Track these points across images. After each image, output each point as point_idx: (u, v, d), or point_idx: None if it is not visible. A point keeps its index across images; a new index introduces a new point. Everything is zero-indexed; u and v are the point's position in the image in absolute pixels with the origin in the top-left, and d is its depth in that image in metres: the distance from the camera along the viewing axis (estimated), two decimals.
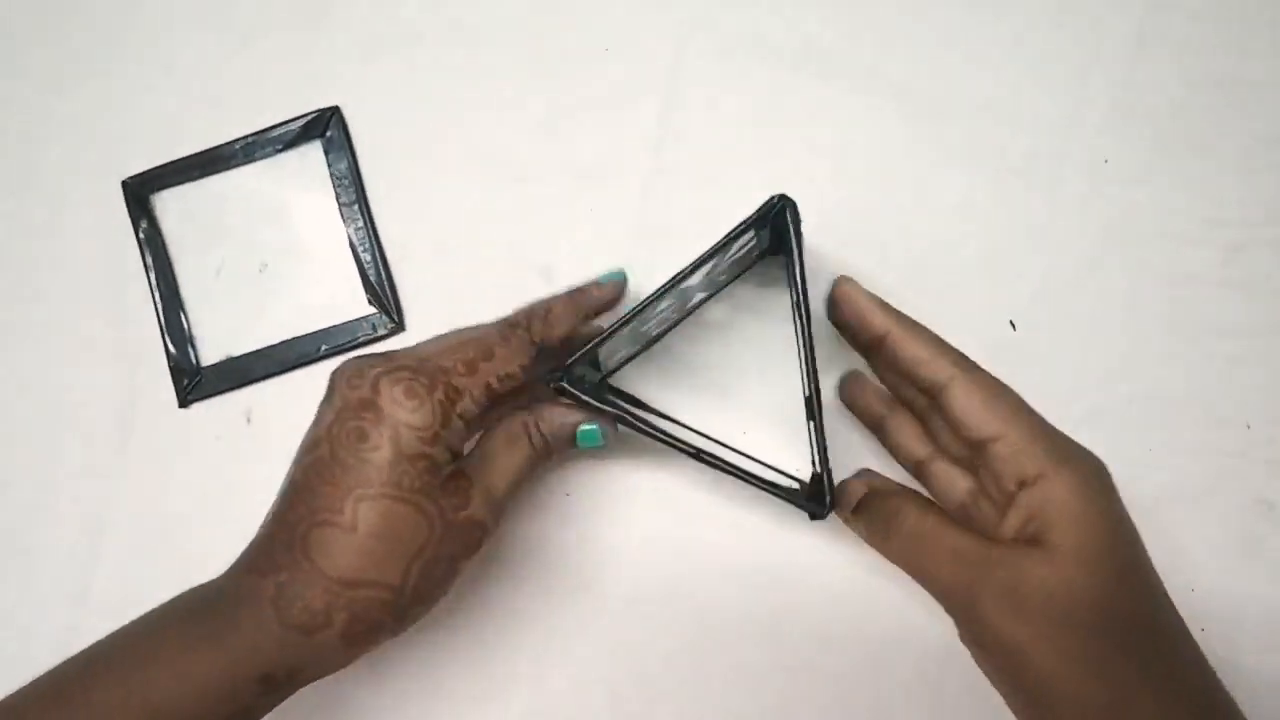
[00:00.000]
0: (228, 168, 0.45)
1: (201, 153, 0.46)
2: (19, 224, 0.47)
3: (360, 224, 0.44)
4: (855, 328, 0.36)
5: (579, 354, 0.35)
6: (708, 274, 0.36)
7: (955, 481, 0.36)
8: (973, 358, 0.35)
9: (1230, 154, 0.42)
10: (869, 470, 0.40)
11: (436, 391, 0.32)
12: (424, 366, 0.33)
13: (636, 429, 0.35)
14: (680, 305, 0.39)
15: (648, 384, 0.42)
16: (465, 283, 0.44)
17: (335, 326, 0.44)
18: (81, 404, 0.45)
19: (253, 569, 0.31)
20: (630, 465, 0.42)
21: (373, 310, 0.44)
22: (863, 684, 0.40)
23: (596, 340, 0.35)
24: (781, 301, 0.42)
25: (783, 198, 0.34)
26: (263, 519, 0.33)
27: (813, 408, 0.35)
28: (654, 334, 0.42)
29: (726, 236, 0.34)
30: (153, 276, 0.45)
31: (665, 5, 0.45)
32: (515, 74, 0.45)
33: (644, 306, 0.35)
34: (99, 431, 0.45)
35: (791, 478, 0.39)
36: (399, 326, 0.44)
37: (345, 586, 0.30)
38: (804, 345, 0.34)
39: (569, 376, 0.35)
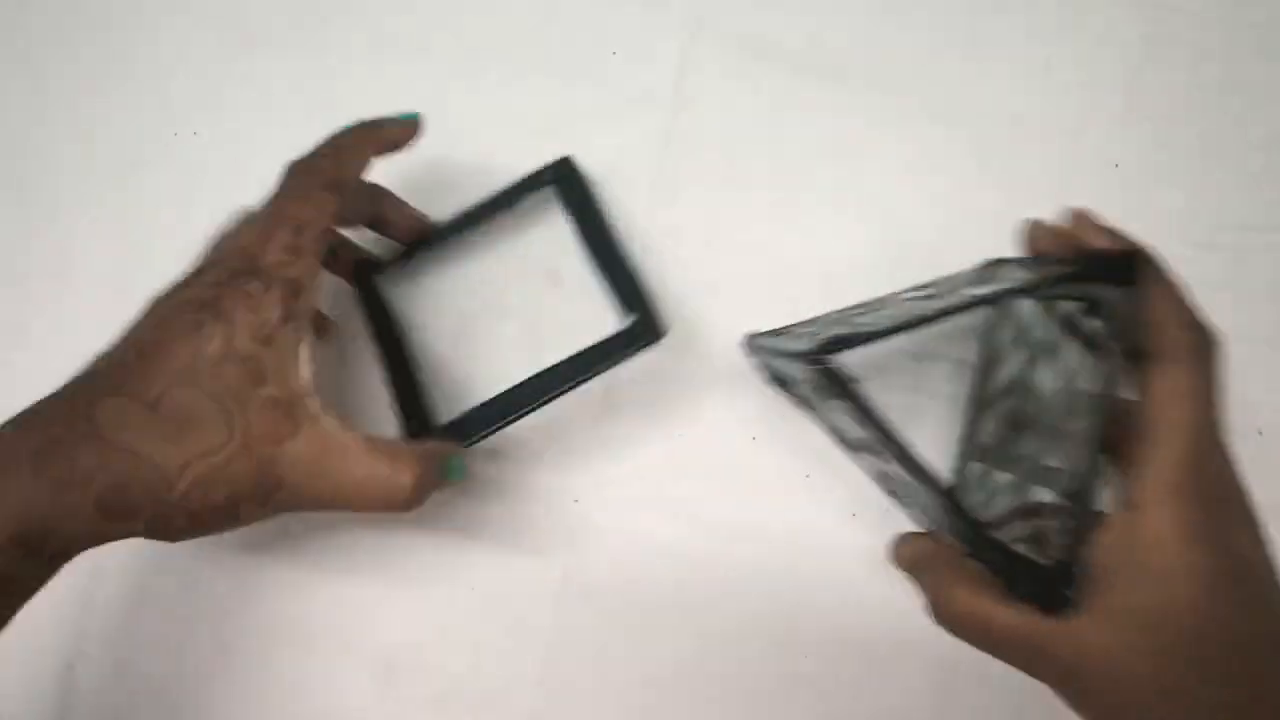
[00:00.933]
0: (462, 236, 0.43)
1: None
2: None
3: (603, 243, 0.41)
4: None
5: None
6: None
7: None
8: None
9: (1239, 158, 0.42)
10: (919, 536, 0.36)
11: (273, 291, 0.32)
12: (258, 268, 0.32)
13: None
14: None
15: None
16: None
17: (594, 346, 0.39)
18: None
19: (16, 424, 0.30)
20: (633, 471, 0.42)
21: (632, 319, 0.39)
22: (870, 688, 0.40)
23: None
24: None
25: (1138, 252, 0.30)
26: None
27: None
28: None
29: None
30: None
31: (672, 8, 0.45)
32: (523, 78, 0.45)
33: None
34: None
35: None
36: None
37: (116, 450, 0.29)
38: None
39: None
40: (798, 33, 0.45)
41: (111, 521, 0.29)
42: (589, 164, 0.44)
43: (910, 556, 0.34)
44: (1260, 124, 0.42)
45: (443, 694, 0.41)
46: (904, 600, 0.39)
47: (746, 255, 0.43)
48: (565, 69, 0.46)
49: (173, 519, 0.30)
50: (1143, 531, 0.27)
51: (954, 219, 0.43)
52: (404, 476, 0.32)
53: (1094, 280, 0.30)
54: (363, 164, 0.36)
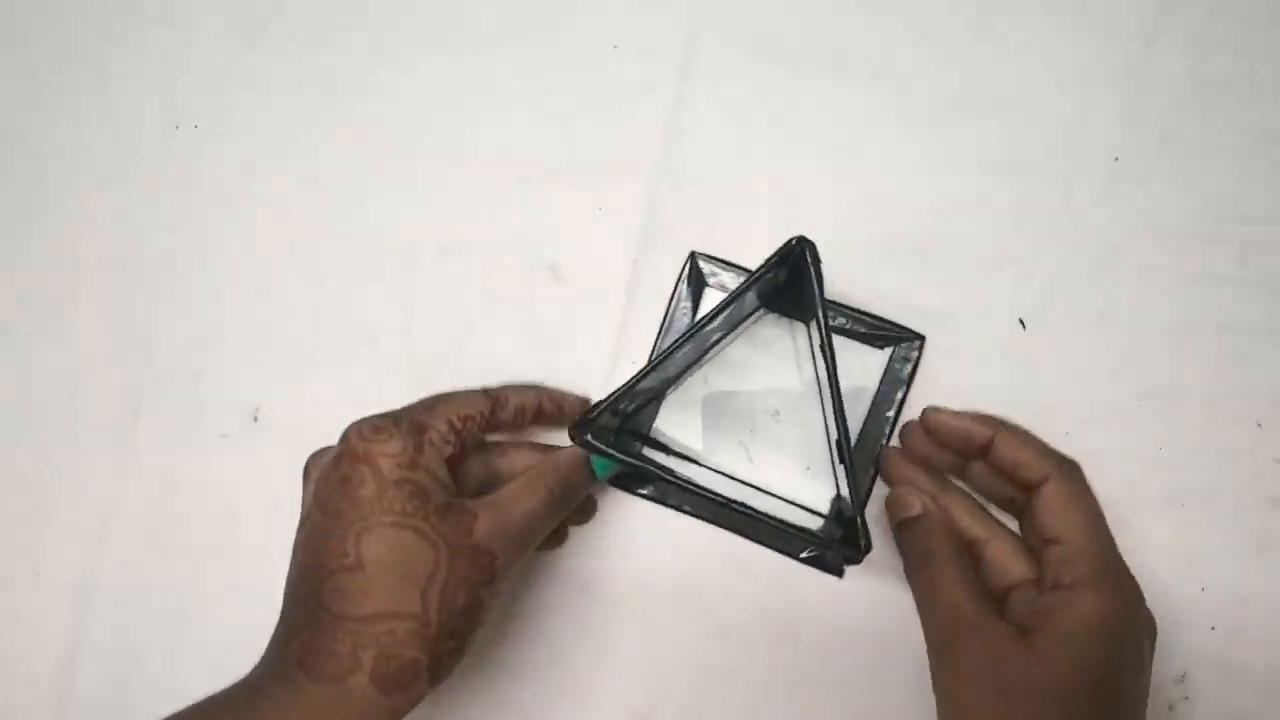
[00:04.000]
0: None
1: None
2: None
3: None
4: (961, 445, 0.38)
5: (601, 406, 0.35)
6: (727, 317, 0.36)
7: (1008, 567, 0.37)
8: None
9: (1241, 151, 0.42)
10: (923, 488, 0.39)
11: (403, 424, 0.33)
12: (387, 412, 0.34)
13: (662, 479, 0.36)
14: (699, 345, 0.39)
15: (665, 424, 0.43)
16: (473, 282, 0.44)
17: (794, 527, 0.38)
18: (89, 402, 0.45)
19: (277, 638, 0.32)
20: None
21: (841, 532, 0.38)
22: (869, 687, 0.40)
23: (619, 390, 0.35)
24: (802, 338, 0.42)
25: (800, 240, 0.34)
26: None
27: (843, 451, 0.35)
28: (672, 375, 0.41)
29: (747, 281, 0.35)
30: None
31: (674, 3, 0.45)
32: (525, 72, 0.45)
33: (667, 354, 0.35)
34: (106, 429, 0.45)
35: (814, 512, 0.41)
36: None
37: (365, 623, 0.30)
38: (830, 386, 0.35)
39: (591, 429, 0.35)
40: (798, 27, 0.44)
41: (395, 695, 0.30)
42: (592, 160, 0.44)
43: (908, 506, 0.37)
44: (1261, 117, 0.42)
45: None
46: (910, 603, 0.39)
47: (746, 254, 0.43)
48: (567, 64, 0.45)
49: (441, 652, 0.31)
50: (1074, 606, 0.33)
51: (956, 213, 0.43)
52: (545, 492, 0.36)
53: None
54: (520, 422, 0.39)
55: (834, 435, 0.36)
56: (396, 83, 0.46)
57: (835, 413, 0.35)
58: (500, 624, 0.42)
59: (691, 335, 0.35)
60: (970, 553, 0.37)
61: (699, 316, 0.35)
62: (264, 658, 0.32)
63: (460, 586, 0.32)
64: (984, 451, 0.37)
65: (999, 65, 0.43)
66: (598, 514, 0.42)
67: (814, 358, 0.36)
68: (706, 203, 0.44)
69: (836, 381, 0.35)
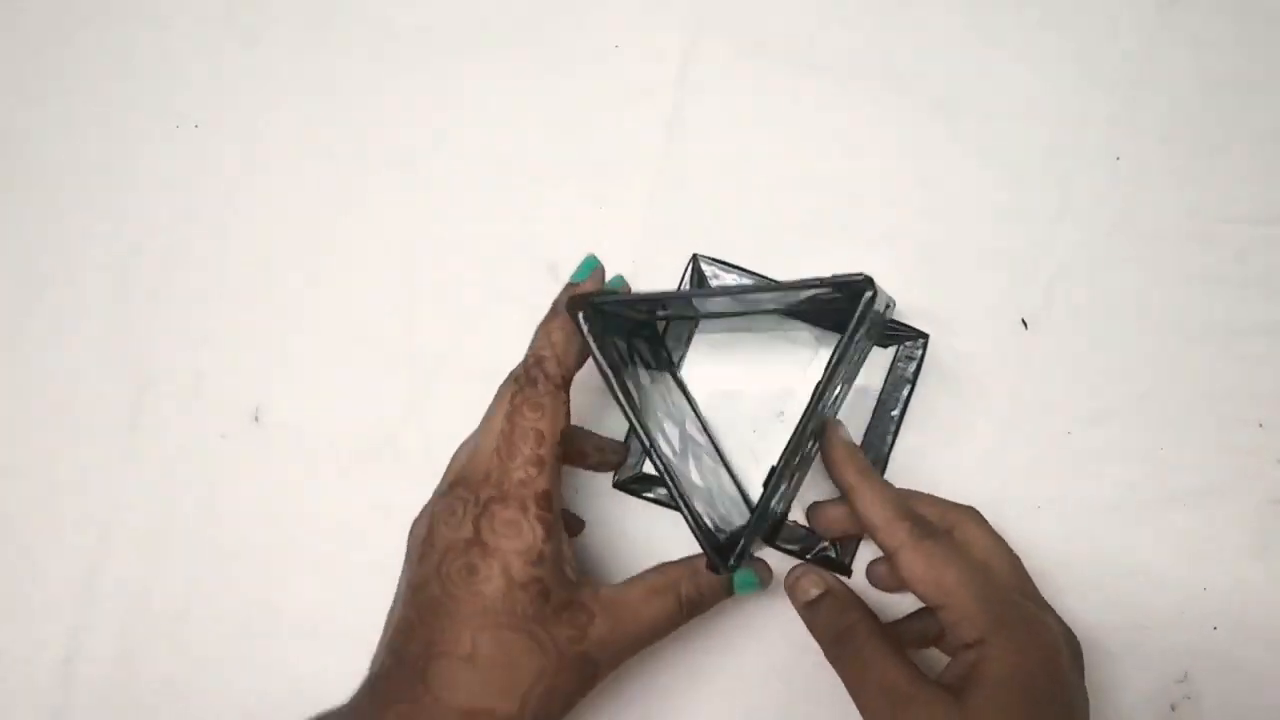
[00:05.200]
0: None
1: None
2: None
3: None
4: (831, 475, 0.37)
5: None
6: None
7: (926, 630, 0.37)
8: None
9: (1243, 151, 0.42)
10: (823, 571, 0.37)
11: (529, 511, 0.33)
12: (507, 493, 0.33)
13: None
14: (745, 304, 0.38)
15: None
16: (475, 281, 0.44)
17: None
18: (90, 402, 0.45)
19: (375, 699, 0.32)
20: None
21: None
22: None
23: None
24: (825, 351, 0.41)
25: (867, 281, 0.33)
26: (374, 654, 0.33)
27: (772, 479, 0.34)
28: (704, 313, 0.41)
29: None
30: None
31: (675, 3, 0.45)
32: (525, 72, 0.45)
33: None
34: (106, 429, 0.45)
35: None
36: None
37: (466, 716, 0.31)
38: (803, 422, 0.34)
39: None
40: (799, 27, 0.44)
41: None
42: (592, 160, 0.44)
43: (804, 590, 0.37)
44: (1261, 117, 0.42)
45: None
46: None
47: (747, 251, 0.43)
48: (568, 64, 0.45)
49: None
50: (986, 657, 0.32)
51: (958, 214, 0.43)
52: (673, 604, 0.35)
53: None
54: (580, 349, 0.35)
55: (776, 463, 0.34)
56: (396, 83, 0.46)
57: (791, 444, 0.34)
58: None
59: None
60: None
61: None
62: (360, 702, 0.32)
63: (558, 696, 0.33)
64: (846, 494, 0.36)
65: (1000, 66, 0.43)
66: (601, 515, 0.42)
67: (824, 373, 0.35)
68: (706, 203, 0.44)
69: (810, 416, 0.33)
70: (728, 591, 0.36)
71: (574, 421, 0.41)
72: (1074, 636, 0.35)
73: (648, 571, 0.36)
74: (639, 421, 0.34)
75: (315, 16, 0.46)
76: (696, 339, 0.42)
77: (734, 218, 0.44)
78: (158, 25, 0.47)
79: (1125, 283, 0.42)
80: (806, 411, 0.33)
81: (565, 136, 0.45)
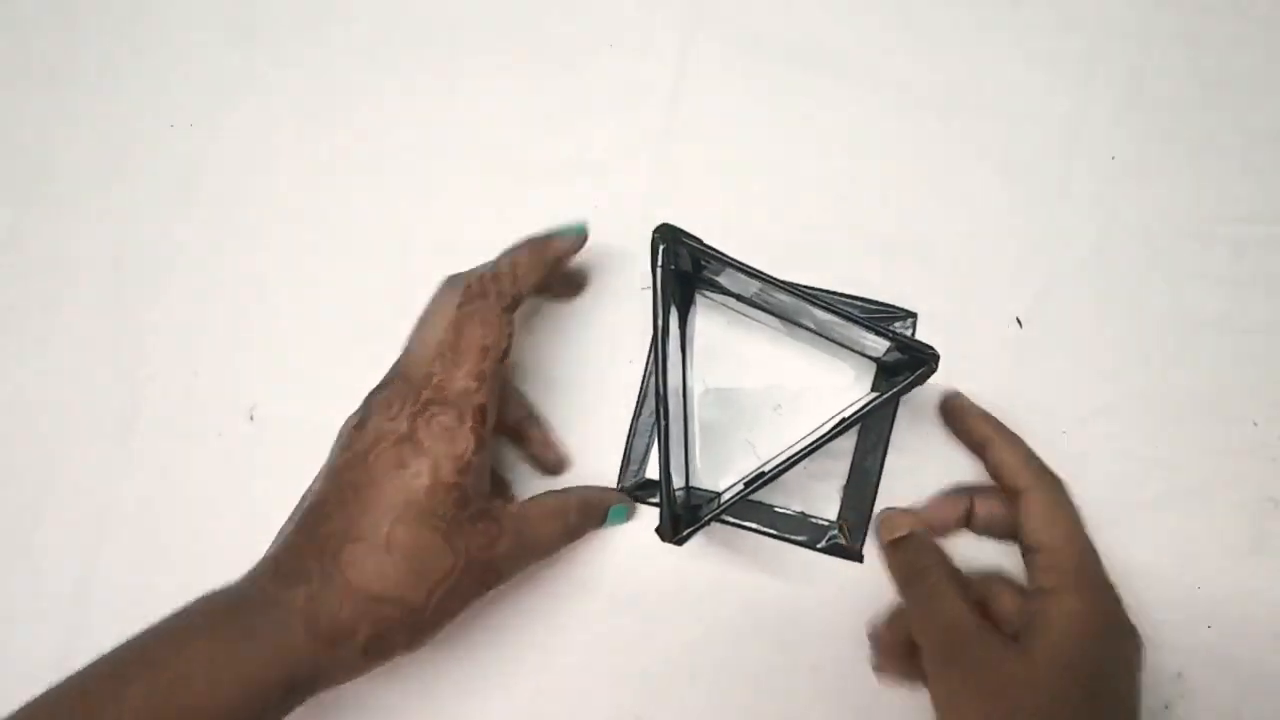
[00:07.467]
0: None
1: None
2: None
3: None
4: (965, 438, 0.40)
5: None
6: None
7: (992, 585, 0.38)
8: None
9: (1238, 150, 0.42)
10: (914, 513, 0.40)
11: (466, 422, 0.34)
12: (447, 399, 0.34)
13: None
14: (774, 306, 0.40)
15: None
16: None
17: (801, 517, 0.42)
18: (86, 401, 0.45)
19: (280, 577, 0.33)
20: None
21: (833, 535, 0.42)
22: (863, 684, 0.40)
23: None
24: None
25: (934, 357, 0.35)
26: (283, 527, 0.34)
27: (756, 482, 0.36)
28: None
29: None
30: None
31: (671, 1, 0.45)
32: (522, 70, 0.45)
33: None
34: (101, 428, 0.45)
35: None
36: None
37: (372, 601, 0.32)
38: (816, 443, 0.35)
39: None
40: (796, 24, 0.44)
41: (374, 660, 0.33)
42: (588, 158, 0.44)
43: (898, 526, 0.39)
44: (1258, 116, 0.42)
45: None
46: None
47: (745, 250, 0.43)
48: (563, 62, 0.45)
49: (422, 638, 0.34)
50: (1059, 607, 0.35)
51: (953, 212, 0.43)
52: (562, 528, 0.39)
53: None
54: (537, 281, 0.37)
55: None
56: (393, 82, 0.46)
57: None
58: (499, 623, 0.42)
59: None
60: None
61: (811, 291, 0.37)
62: (263, 577, 0.33)
63: (461, 595, 0.34)
64: (981, 451, 0.39)
65: (996, 64, 0.43)
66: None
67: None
68: (704, 201, 0.44)
69: (830, 436, 0.35)
70: (599, 522, 0.40)
71: (572, 414, 0.42)
72: (1141, 641, 0.36)
73: (546, 494, 0.39)
74: (660, 367, 0.35)
75: (313, 17, 0.46)
76: (720, 311, 0.43)
77: (731, 215, 0.44)
78: (154, 25, 0.47)
79: (1120, 282, 0.42)
80: (824, 437, 0.35)
81: (561, 135, 0.45)
